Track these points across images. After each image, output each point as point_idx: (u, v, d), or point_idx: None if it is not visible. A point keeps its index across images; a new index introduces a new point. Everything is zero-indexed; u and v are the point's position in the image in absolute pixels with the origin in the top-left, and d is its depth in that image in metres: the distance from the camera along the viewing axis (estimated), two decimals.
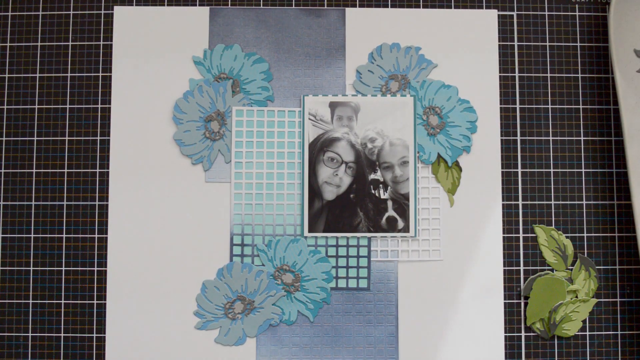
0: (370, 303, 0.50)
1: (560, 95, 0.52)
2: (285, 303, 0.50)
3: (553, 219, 0.51)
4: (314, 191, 0.49)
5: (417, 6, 0.52)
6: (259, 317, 0.50)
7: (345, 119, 0.49)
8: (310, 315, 0.50)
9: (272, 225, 0.50)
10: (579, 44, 0.52)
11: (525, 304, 0.50)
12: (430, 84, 0.51)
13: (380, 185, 0.49)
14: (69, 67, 0.52)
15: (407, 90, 0.50)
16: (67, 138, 0.51)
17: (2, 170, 0.51)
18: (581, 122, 0.52)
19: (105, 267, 0.50)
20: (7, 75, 0.52)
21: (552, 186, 0.51)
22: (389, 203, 0.49)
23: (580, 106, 0.52)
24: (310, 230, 0.50)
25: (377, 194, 0.49)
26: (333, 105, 0.49)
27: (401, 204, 0.49)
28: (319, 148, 0.49)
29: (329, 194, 0.49)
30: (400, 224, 0.49)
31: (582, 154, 0.52)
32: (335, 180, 0.49)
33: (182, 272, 0.50)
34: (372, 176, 0.49)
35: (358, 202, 0.49)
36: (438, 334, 0.50)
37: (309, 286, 0.50)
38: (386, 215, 0.49)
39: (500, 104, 0.52)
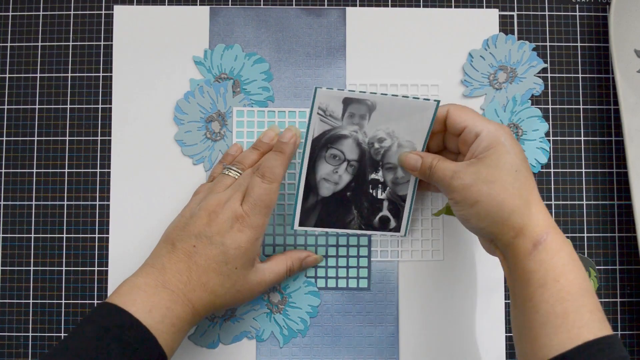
0: (370, 303, 0.50)
1: (561, 95, 0.52)
2: (264, 320, 0.50)
3: (553, 219, 0.51)
4: (310, 187, 0.48)
5: (417, 6, 0.52)
6: (237, 326, 0.50)
7: (357, 117, 0.46)
8: (281, 341, 0.50)
9: (272, 225, 0.50)
10: (579, 44, 0.52)
11: None
12: None
13: (379, 186, 0.48)
14: (70, 67, 0.52)
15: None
16: (67, 138, 0.51)
17: (3, 170, 0.51)
18: (581, 122, 0.52)
19: (106, 267, 0.50)
20: (7, 75, 0.52)
21: (552, 186, 0.51)
22: (385, 203, 0.48)
23: (581, 106, 0.52)
24: (301, 224, 0.48)
25: (374, 194, 0.48)
26: (347, 102, 0.45)
27: (396, 204, 0.49)
28: (323, 144, 0.47)
29: (326, 190, 0.47)
30: (392, 223, 0.49)
31: (582, 154, 0.52)
32: (334, 177, 0.47)
33: None
34: (372, 176, 0.48)
35: (354, 200, 0.48)
36: (438, 334, 0.50)
37: (292, 313, 0.50)
38: (380, 214, 0.49)
39: None
